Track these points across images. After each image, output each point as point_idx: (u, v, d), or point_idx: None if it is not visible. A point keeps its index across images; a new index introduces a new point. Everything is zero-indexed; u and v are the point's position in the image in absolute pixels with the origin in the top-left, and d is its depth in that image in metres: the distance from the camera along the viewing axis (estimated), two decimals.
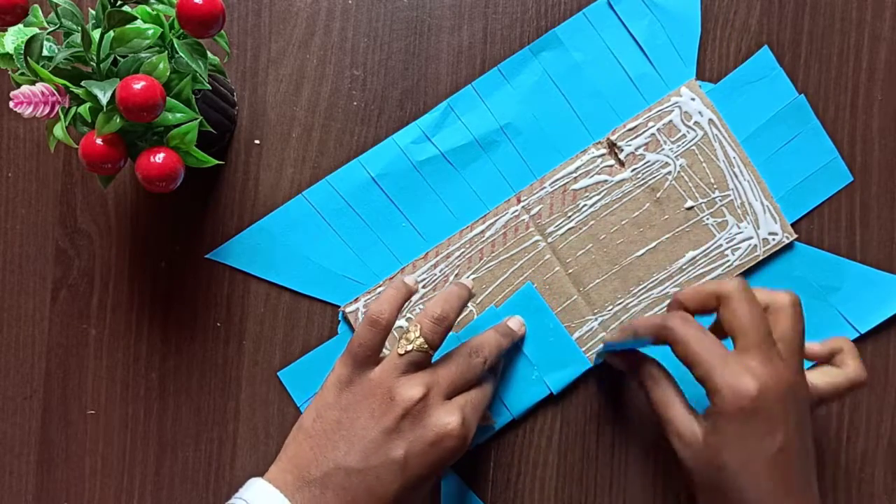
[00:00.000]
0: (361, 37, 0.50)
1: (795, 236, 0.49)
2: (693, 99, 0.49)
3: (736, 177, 0.49)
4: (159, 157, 0.38)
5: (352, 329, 0.49)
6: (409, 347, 0.42)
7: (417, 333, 0.42)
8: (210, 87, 0.42)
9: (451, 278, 0.49)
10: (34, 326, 0.51)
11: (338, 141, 0.50)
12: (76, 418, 0.50)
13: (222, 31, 0.40)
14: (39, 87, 0.37)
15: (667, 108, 0.49)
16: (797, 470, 0.40)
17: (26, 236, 0.51)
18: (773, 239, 0.49)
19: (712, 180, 0.49)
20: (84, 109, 0.38)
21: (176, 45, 0.39)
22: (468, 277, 0.49)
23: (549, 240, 0.49)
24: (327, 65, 0.50)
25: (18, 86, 0.37)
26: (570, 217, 0.49)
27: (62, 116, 0.38)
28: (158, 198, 0.51)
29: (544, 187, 0.49)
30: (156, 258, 0.51)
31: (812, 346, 0.45)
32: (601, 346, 0.49)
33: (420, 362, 0.42)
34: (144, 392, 0.50)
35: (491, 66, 0.50)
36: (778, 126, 0.49)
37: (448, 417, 0.41)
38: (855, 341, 0.49)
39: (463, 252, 0.49)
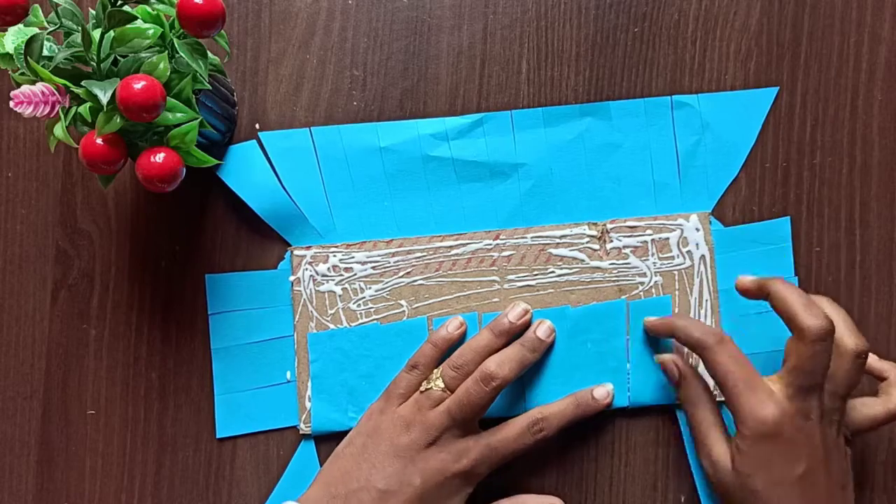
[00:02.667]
0: (361, 37, 0.50)
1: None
2: (697, 230, 0.49)
3: (699, 318, 0.49)
4: (159, 157, 0.38)
5: (291, 270, 0.49)
6: (430, 386, 0.46)
7: (438, 374, 0.46)
8: (210, 87, 0.42)
9: (402, 274, 0.49)
10: (34, 326, 0.51)
11: None
12: (76, 418, 0.50)
13: (222, 31, 0.40)
14: (39, 86, 0.37)
15: (670, 224, 0.49)
16: (825, 496, 0.41)
17: (26, 236, 0.51)
18: None
19: (677, 310, 0.49)
20: (84, 109, 0.38)
21: (176, 45, 0.39)
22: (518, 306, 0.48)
23: (505, 286, 0.49)
24: (327, 65, 0.50)
25: (18, 86, 0.37)
26: (535, 275, 0.49)
27: (62, 116, 0.38)
28: (158, 198, 0.51)
29: (525, 238, 0.49)
30: (156, 258, 0.51)
31: (873, 363, 0.45)
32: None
33: (439, 399, 0.45)
34: (144, 392, 0.50)
35: (491, 66, 0.50)
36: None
37: (452, 462, 0.44)
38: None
39: (424, 256, 0.49)
